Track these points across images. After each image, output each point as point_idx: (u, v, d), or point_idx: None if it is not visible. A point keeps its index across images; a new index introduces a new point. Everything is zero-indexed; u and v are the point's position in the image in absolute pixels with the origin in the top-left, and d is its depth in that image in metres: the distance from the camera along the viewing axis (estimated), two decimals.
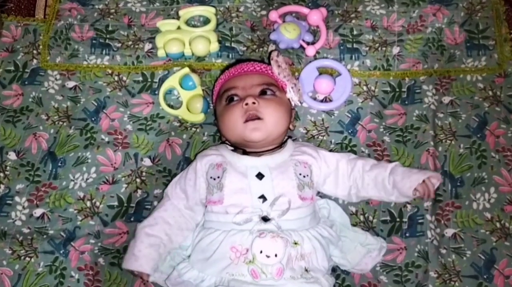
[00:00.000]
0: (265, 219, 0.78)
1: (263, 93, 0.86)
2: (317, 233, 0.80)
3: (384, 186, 0.84)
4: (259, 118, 0.83)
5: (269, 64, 0.91)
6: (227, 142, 0.90)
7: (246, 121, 0.83)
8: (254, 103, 0.83)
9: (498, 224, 0.90)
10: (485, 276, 0.86)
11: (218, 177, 0.82)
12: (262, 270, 0.75)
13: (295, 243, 0.77)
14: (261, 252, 0.75)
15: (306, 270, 0.76)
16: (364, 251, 0.86)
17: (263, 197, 0.79)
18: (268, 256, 0.75)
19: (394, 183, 0.83)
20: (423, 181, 0.82)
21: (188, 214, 0.84)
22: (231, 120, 0.84)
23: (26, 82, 1.00)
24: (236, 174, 0.82)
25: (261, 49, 1.03)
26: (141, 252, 0.80)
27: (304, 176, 0.83)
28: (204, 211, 0.85)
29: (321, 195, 0.91)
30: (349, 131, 0.97)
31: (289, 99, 0.90)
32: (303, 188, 0.82)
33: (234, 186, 0.81)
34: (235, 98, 0.86)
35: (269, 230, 0.77)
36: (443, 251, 0.88)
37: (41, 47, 1.03)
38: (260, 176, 0.82)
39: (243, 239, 0.76)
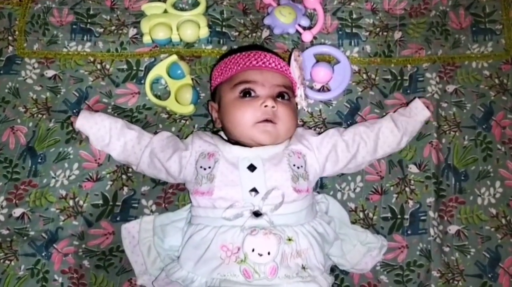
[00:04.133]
0: (257, 214, 0.73)
1: (280, 95, 0.81)
2: (313, 228, 0.76)
3: (394, 136, 0.84)
4: (272, 122, 0.78)
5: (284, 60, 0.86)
6: (221, 133, 0.85)
7: (259, 122, 0.78)
8: (273, 107, 0.78)
9: (503, 221, 0.86)
10: (489, 275, 0.83)
11: (209, 167, 0.77)
12: (254, 270, 0.71)
13: (289, 240, 0.73)
14: (253, 250, 0.71)
15: (303, 268, 0.72)
16: (364, 250, 0.82)
17: (254, 190, 0.75)
18: (260, 255, 0.71)
19: (405, 123, 0.85)
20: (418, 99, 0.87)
21: (146, 153, 0.82)
22: (243, 117, 0.79)
23: (2, 72, 0.93)
24: (228, 165, 0.77)
25: (254, 34, 0.97)
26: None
27: (298, 167, 0.78)
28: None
29: (318, 191, 0.87)
30: (348, 123, 0.92)
31: (296, 103, 0.85)
32: (297, 179, 0.77)
33: (224, 177, 0.76)
34: (252, 94, 0.80)
35: (261, 226, 0.73)
36: (446, 249, 0.84)
37: (17, 33, 0.96)
38: (252, 168, 0.77)
39: (234, 237, 0.72)
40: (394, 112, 0.88)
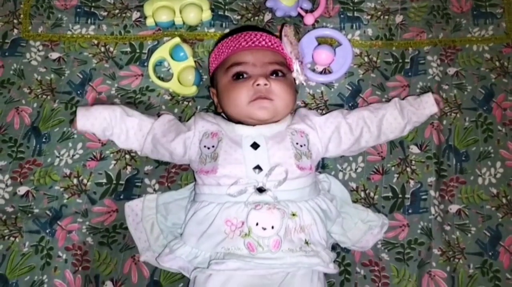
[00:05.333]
0: (261, 190, 0.74)
1: (273, 73, 0.82)
2: (316, 205, 0.76)
3: (398, 123, 0.84)
4: (267, 99, 0.79)
5: (277, 37, 0.86)
6: (223, 114, 0.86)
7: (254, 100, 0.79)
8: (266, 84, 0.79)
9: (504, 200, 0.86)
10: (490, 253, 0.83)
11: (213, 146, 0.78)
12: (258, 243, 0.72)
13: (293, 215, 0.73)
14: (257, 224, 0.72)
15: (307, 243, 0.73)
16: (365, 228, 0.83)
17: (258, 168, 0.76)
18: (264, 228, 0.72)
19: (411, 114, 0.85)
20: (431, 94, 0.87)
21: (148, 139, 0.83)
22: (238, 98, 0.80)
23: (7, 54, 0.94)
24: (231, 144, 0.78)
25: (256, 17, 0.98)
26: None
27: (301, 145, 0.79)
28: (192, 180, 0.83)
29: (320, 171, 0.87)
30: (350, 105, 0.92)
31: (294, 78, 0.85)
32: (300, 157, 0.78)
33: (228, 156, 0.77)
34: (245, 75, 0.81)
35: (265, 201, 0.73)
36: (447, 228, 0.85)
37: (22, 16, 0.97)
38: (255, 145, 0.78)
39: (238, 212, 0.73)
40: (403, 99, 0.88)
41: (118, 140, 0.85)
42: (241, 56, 0.82)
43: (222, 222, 0.74)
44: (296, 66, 0.84)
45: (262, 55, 0.82)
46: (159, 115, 0.88)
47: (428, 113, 0.86)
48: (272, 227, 0.72)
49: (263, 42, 0.84)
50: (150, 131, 0.83)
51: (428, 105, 0.85)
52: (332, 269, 0.75)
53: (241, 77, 0.81)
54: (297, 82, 0.86)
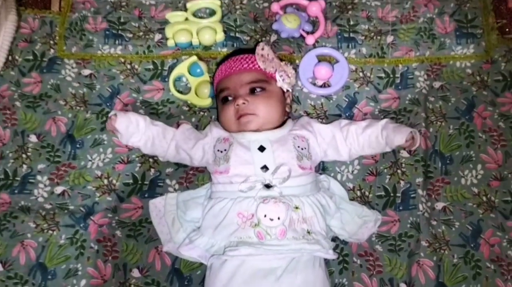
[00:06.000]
0: (268, 186, 0.85)
1: (252, 90, 0.93)
2: (316, 200, 0.87)
3: (378, 142, 0.93)
4: (250, 114, 0.91)
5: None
6: None
7: (239, 117, 0.91)
8: (244, 103, 0.91)
9: (484, 198, 0.97)
10: (472, 245, 0.93)
11: (225, 149, 0.90)
12: (267, 232, 0.82)
13: (296, 208, 0.84)
14: (265, 216, 0.82)
15: (308, 232, 0.84)
16: (360, 222, 0.93)
17: (265, 167, 0.87)
18: (271, 219, 0.82)
19: (387, 137, 0.92)
20: (411, 132, 0.91)
21: (172, 146, 0.94)
22: (226, 118, 0.93)
23: (45, 70, 1.06)
24: (241, 147, 0.90)
25: (264, 38, 1.10)
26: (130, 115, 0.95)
27: (302, 149, 0.91)
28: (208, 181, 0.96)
29: (320, 172, 0.99)
30: (347, 114, 1.04)
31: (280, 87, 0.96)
32: (302, 159, 0.89)
33: (239, 158, 0.88)
34: (229, 98, 0.93)
35: (271, 196, 0.84)
36: (434, 223, 0.95)
37: (57, 38, 1.09)
38: (261, 148, 0.89)
39: (249, 206, 0.84)
40: (396, 121, 0.98)
41: (145, 146, 0.96)
42: (224, 83, 0.95)
43: (234, 214, 0.84)
44: (277, 77, 0.95)
45: (238, 78, 0.94)
46: (178, 124, 1.00)
47: (396, 143, 0.91)
48: (278, 218, 0.83)
49: (239, 66, 0.95)
50: (173, 138, 0.95)
51: (398, 137, 0.90)
52: (332, 255, 0.86)
53: (227, 100, 0.93)
54: (284, 89, 0.96)
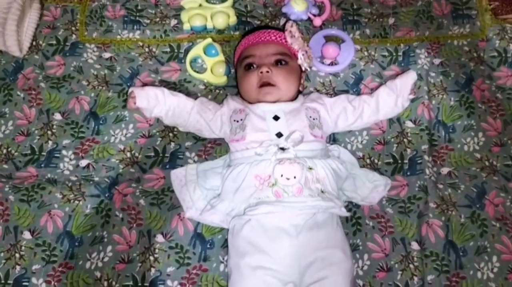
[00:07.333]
0: (283, 149, 0.90)
1: (277, 62, 1.00)
2: (328, 164, 0.92)
3: (389, 97, 1.01)
4: (271, 85, 0.97)
5: (284, 32, 1.05)
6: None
7: (261, 86, 0.96)
8: (268, 71, 0.97)
9: (487, 163, 1.03)
10: (477, 206, 0.99)
11: (241, 119, 0.96)
12: (284, 190, 0.87)
13: (310, 168, 0.89)
14: (281, 175, 0.87)
15: (322, 191, 0.89)
16: (371, 186, 0.98)
17: (279, 134, 0.92)
18: (288, 179, 0.87)
19: (396, 87, 1.01)
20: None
21: (192, 115, 0.99)
22: (248, 85, 0.98)
23: (67, 54, 1.12)
24: (256, 117, 0.95)
25: (273, 22, 1.17)
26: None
27: (314, 119, 0.97)
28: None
29: (331, 143, 1.04)
30: (354, 90, 1.11)
31: (299, 65, 1.03)
32: (313, 127, 0.95)
33: (254, 126, 0.94)
34: (254, 65, 0.99)
35: (286, 157, 0.89)
36: (440, 186, 1.01)
37: (78, 24, 1.16)
38: (276, 118, 0.95)
39: (265, 167, 0.89)
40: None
41: (166, 116, 1.01)
42: (250, 50, 1.01)
43: (252, 177, 0.89)
44: (299, 55, 1.02)
45: (266, 48, 1.01)
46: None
47: (410, 81, 1.02)
48: (294, 177, 0.87)
49: (268, 37, 1.02)
50: (193, 107, 1.00)
51: (409, 74, 1.02)
52: (345, 212, 0.91)
53: (251, 67, 0.99)
54: (303, 68, 1.03)
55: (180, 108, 1.00)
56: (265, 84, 0.97)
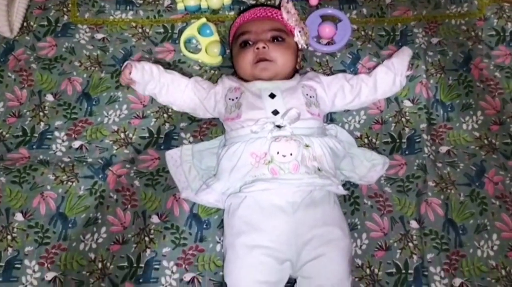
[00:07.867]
0: (279, 126, 0.89)
1: (273, 38, 0.98)
2: (325, 142, 0.91)
3: (387, 75, 1.00)
4: (268, 60, 0.95)
5: (280, 9, 1.03)
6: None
7: (257, 62, 0.95)
8: (264, 47, 0.95)
9: (485, 141, 1.02)
10: (477, 184, 0.97)
11: (236, 97, 0.94)
12: (280, 167, 0.86)
13: (307, 146, 0.87)
14: (277, 153, 0.86)
15: (319, 169, 0.87)
16: (369, 165, 0.97)
17: (275, 111, 0.91)
18: (284, 156, 0.86)
19: (392, 64, 1.00)
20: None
21: (186, 93, 0.98)
22: (244, 61, 0.97)
23: (59, 35, 1.10)
24: (252, 95, 0.94)
25: (269, 1, 1.15)
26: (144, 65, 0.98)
27: (310, 97, 0.95)
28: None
29: (328, 122, 1.03)
30: (351, 70, 1.09)
31: (296, 42, 1.02)
32: (310, 105, 0.94)
33: (250, 104, 0.92)
34: (250, 42, 0.97)
35: (283, 135, 0.88)
36: (439, 165, 0.99)
37: (70, 5, 1.13)
38: (272, 95, 0.93)
39: (261, 145, 0.87)
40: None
41: (160, 94, 0.99)
42: (245, 27, 1.00)
43: (248, 155, 0.87)
44: (296, 32, 1.00)
45: (262, 24, 0.99)
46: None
47: (406, 57, 1.02)
48: (291, 154, 0.86)
49: (263, 13, 1.01)
50: (188, 84, 0.99)
51: (404, 50, 1.03)
52: (342, 190, 0.90)
53: (247, 44, 0.98)
54: (299, 46, 1.02)
55: (174, 85, 0.99)
56: (261, 59, 0.95)
